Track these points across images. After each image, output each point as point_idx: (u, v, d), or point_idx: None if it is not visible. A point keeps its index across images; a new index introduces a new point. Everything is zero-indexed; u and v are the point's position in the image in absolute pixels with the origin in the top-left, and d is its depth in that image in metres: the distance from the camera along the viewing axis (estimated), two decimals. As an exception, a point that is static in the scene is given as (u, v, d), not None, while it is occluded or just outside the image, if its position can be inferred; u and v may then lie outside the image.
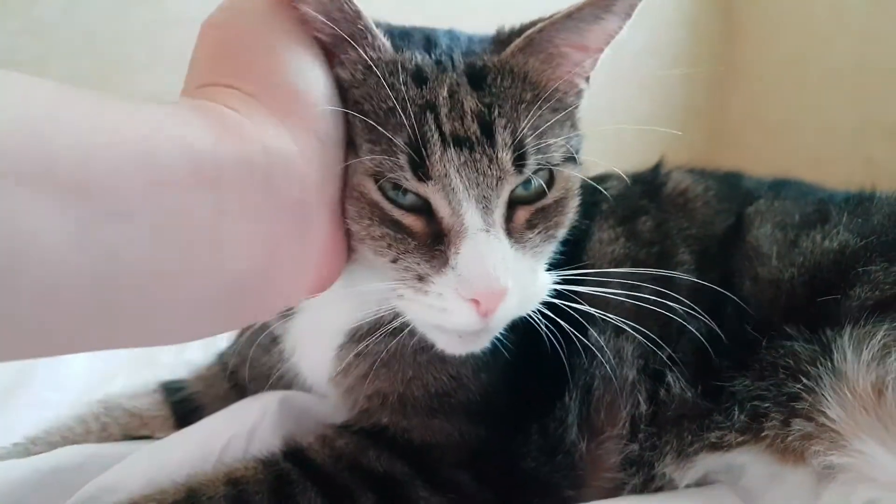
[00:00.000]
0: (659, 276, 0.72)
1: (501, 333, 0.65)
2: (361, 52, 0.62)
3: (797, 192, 0.87)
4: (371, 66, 0.62)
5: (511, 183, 0.61)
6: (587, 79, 0.70)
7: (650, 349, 0.72)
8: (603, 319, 0.68)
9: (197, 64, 0.60)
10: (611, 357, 0.72)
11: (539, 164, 0.62)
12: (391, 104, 0.60)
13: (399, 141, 0.59)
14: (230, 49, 0.59)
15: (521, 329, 0.67)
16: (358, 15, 0.61)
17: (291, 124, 0.55)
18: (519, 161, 0.61)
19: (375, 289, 0.63)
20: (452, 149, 0.59)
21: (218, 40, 0.59)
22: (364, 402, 0.74)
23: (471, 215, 0.59)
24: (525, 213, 0.64)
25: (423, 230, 0.61)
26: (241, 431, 0.75)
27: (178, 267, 0.48)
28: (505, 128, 0.61)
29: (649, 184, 0.88)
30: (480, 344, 0.65)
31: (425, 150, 0.59)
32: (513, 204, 0.63)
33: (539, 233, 0.64)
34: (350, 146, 0.62)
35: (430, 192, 0.60)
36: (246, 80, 0.56)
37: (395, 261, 0.62)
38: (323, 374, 0.77)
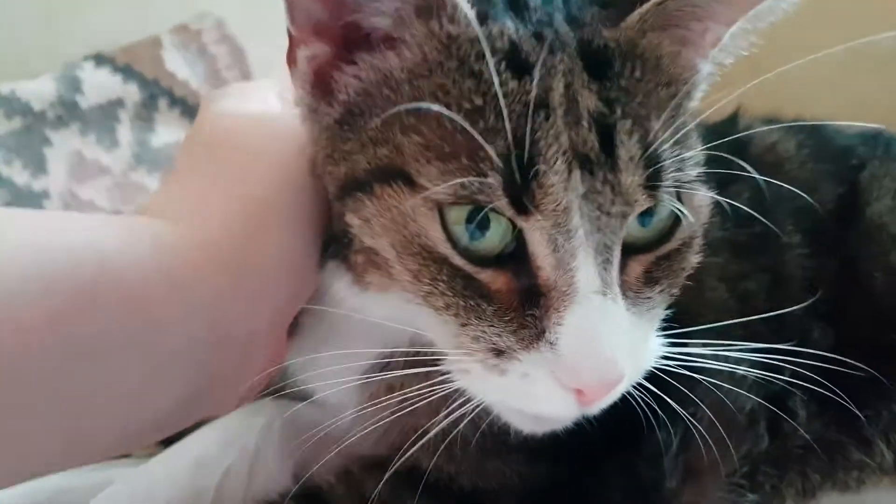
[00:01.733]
0: (765, 264, 0.59)
1: None
2: (433, 24, 0.45)
3: None
4: (449, 46, 0.46)
5: (634, 215, 0.45)
6: (707, 58, 0.53)
7: (769, 364, 0.55)
8: (709, 328, 0.53)
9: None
10: (722, 378, 0.55)
11: (675, 185, 0.46)
12: (479, 101, 0.43)
13: (493, 153, 0.42)
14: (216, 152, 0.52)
15: None
16: None
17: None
18: (651, 182, 0.44)
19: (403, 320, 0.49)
20: (579, 171, 0.42)
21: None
22: (397, 436, 0.57)
23: (585, 271, 0.43)
24: (641, 264, 0.47)
25: (507, 287, 0.45)
26: (240, 461, 0.61)
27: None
28: (630, 134, 0.43)
29: (730, 140, 0.69)
30: (565, 424, 0.51)
31: (534, 169, 0.42)
32: (626, 250, 0.46)
33: (661, 291, 0.48)
34: (380, 178, 0.46)
35: (531, 230, 0.44)
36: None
37: (463, 325, 0.47)
38: (342, 402, 0.62)
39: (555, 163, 0.42)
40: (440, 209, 0.44)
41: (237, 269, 0.47)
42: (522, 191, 0.42)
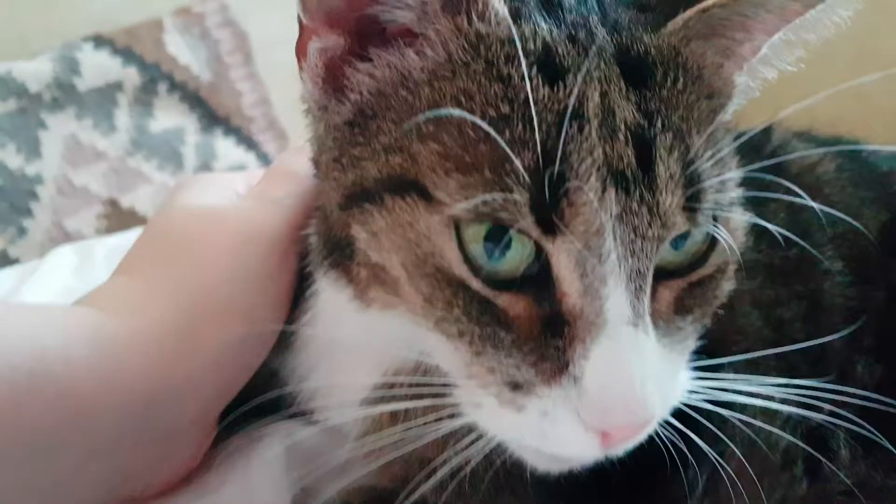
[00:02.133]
0: (802, 290, 0.54)
1: None
2: (461, 21, 0.41)
3: None
4: (478, 45, 0.41)
5: (670, 239, 0.41)
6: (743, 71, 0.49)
7: (808, 399, 0.50)
8: (737, 350, 0.49)
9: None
10: (755, 411, 0.50)
11: (715, 207, 0.41)
12: (507, 109, 0.39)
13: (520, 166, 0.37)
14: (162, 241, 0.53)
15: None
16: None
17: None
18: (691, 203, 0.40)
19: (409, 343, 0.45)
20: (613, 189, 0.38)
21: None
22: (401, 468, 0.52)
23: (616, 299, 0.39)
24: (672, 291, 0.42)
25: (527, 314, 0.40)
26: (239, 497, 0.55)
27: None
28: (671, 150, 0.39)
29: (763, 153, 0.63)
30: (585, 464, 0.45)
31: (565, 186, 0.38)
32: (656, 275, 0.41)
33: (693, 320, 0.43)
34: (392, 189, 0.42)
35: (558, 252, 0.39)
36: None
37: (477, 354, 0.41)
38: (342, 428, 0.57)
39: (588, 179, 0.38)
40: (457, 226, 0.40)
41: (172, 369, 0.47)
42: (551, 209, 0.38)
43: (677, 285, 0.43)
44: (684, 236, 0.42)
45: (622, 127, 0.39)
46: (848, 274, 0.56)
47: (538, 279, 0.40)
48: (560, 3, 0.44)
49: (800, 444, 0.50)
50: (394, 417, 0.50)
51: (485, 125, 0.38)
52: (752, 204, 0.57)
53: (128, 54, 1.43)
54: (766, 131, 0.66)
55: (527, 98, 0.38)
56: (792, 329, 0.53)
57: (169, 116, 1.46)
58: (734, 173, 0.44)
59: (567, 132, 0.38)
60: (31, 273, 0.92)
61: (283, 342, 0.56)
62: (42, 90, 1.34)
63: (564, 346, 0.39)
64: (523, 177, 0.38)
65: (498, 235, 0.39)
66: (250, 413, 0.54)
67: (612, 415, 0.39)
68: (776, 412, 0.49)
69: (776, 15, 0.45)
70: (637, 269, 0.39)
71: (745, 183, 0.59)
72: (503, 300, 0.40)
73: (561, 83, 0.40)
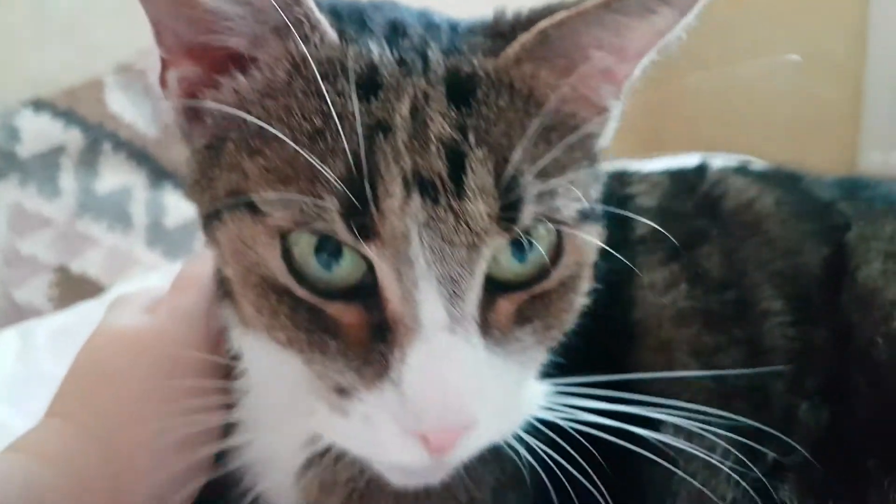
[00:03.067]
0: (741, 335, 0.54)
1: (527, 430, 0.46)
2: (290, 44, 0.43)
3: (886, 198, 0.64)
4: (300, 66, 0.44)
5: (491, 248, 0.41)
6: (619, 96, 0.49)
7: (752, 448, 0.50)
8: (683, 409, 0.48)
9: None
10: (698, 465, 0.50)
11: (540, 216, 0.42)
12: (320, 122, 0.41)
13: (330, 174, 0.39)
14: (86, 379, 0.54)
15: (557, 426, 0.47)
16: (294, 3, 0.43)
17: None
18: (507, 212, 0.41)
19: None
20: (418, 196, 0.40)
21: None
22: None
23: (430, 305, 0.40)
24: (513, 302, 0.43)
25: (358, 321, 0.42)
26: None
27: None
28: (484, 162, 0.40)
29: (697, 193, 0.63)
30: (437, 477, 0.46)
31: (373, 192, 0.39)
32: (495, 286, 0.42)
33: (534, 333, 0.44)
34: (229, 205, 0.44)
35: (378, 259, 0.40)
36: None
37: (308, 362, 0.43)
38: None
39: (392, 186, 0.40)
40: (283, 238, 0.41)
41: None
42: (362, 216, 0.39)
43: (519, 298, 0.43)
44: (523, 250, 0.42)
45: (434, 139, 0.41)
46: (789, 313, 0.55)
47: (371, 287, 0.41)
48: (406, 31, 0.46)
49: (748, 493, 0.50)
50: (324, 488, 0.51)
51: (287, 137, 0.40)
52: (683, 246, 0.58)
53: (69, 116, 1.42)
54: (700, 169, 0.66)
55: (342, 111, 0.40)
56: (733, 376, 0.52)
57: (115, 175, 1.44)
58: (591, 191, 0.46)
59: (373, 142, 0.40)
60: (-26, 360, 0.90)
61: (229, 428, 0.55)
62: (-18, 160, 1.32)
63: (386, 352, 0.40)
64: (334, 185, 0.39)
65: (329, 247, 0.41)
66: None
67: (426, 418, 0.39)
68: (719, 467, 0.49)
69: (623, 37, 0.45)
70: (449, 275, 0.40)
71: (675, 222, 0.59)
72: (334, 308, 0.42)
73: (374, 98, 0.42)
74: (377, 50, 0.44)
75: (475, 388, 0.40)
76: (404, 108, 0.41)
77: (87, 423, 0.51)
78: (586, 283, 0.47)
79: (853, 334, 0.54)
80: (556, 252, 0.43)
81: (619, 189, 0.61)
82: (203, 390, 0.51)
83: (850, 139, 2.41)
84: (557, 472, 0.45)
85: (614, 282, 0.54)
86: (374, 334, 0.41)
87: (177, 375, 0.52)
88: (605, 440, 0.45)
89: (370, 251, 0.40)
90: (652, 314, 0.55)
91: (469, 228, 0.40)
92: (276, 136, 0.41)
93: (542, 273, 0.43)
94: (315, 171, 0.40)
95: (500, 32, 0.46)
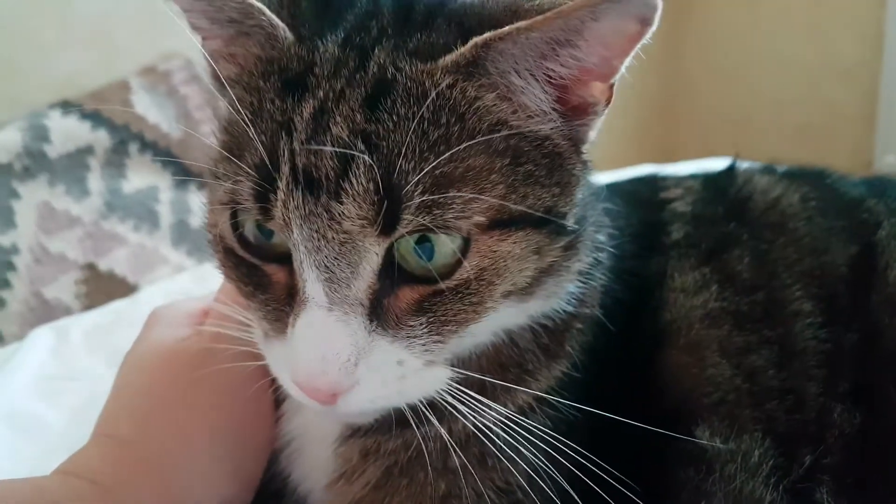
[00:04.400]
0: (772, 335, 0.54)
1: (570, 414, 0.49)
2: (250, 45, 0.49)
3: None
4: (252, 63, 0.49)
5: (377, 248, 0.45)
6: (608, 89, 0.49)
7: (787, 451, 0.52)
8: (715, 410, 0.50)
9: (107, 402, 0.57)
10: (735, 468, 0.51)
11: (425, 224, 0.44)
12: (251, 116, 0.47)
13: (244, 164, 0.46)
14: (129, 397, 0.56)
15: (594, 417, 0.49)
16: (248, 8, 0.47)
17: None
18: (388, 217, 0.44)
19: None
20: (301, 192, 0.44)
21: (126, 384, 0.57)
22: None
23: (311, 284, 0.46)
24: (416, 292, 0.47)
25: (284, 281, 0.49)
26: None
27: None
28: (369, 168, 0.43)
29: (728, 196, 0.64)
30: (334, 419, 0.54)
31: (274, 183, 0.45)
32: (403, 276, 0.46)
33: (426, 325, 0.47)
34: (209, 175, 0.51)
35: (278, 234, 0.47)
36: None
37: (248, 305, 0.52)
38: (318, 479, 0.58)
39: (283, 180, 0.45)
40: (232, 214, 0.49)
41: None
42: (264, 200, 0.46)
43: (423, 289, 0.47)
44: (428, 248, 0.46)
45: (329, 141, 0.44)
46: (819, 314, 0.56)
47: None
48: (370, 24, 0.49)
49: (783, 495, 0.51)
50: (366, 457, 0.54)
51: (236, 120, 0.47)
52: (715, 250, 0.60)
53: (96, 118, 1.44)
54: (730, 171, 0.67)
55: (261, 108, 0.47)
56: (765, 377, 0.53)
57: (141, 176, 1.47)
58: (529, 198, 0.47)
59: (280, 139, 0.45)
60: (12, 356, 0.92)
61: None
62: (12, 160, 1.35)
63: (290, 312, 0.48)
64: (248, 171, 0.46)
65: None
66: None
67: (299, 373, 0.46)
68: (758, 464, 0.51)
69: (562, 53, 0.46)
70: (324, 263, 0.45)
71: (707, 226, 0.61)
72: (270, 268, 0.49)
73: (292, 98, 0.46)
74: (323, 48, 0.47)
75: (343, 359, 0.45)
76: (307, 110, 0.45)
77: (140, 448, 0.52)
78: (497, 290, 0.48)
79: (884, 336, 0.54)
80: (462, 255, 0.46)
81: (652, 194, 0.63)
82: (260, 411, 0.55)
83: (865, 143, 2.41)
84: (591, 468, 0.47)
85: (647, 284, 0.56)
86: (290, 295, 0.48)
87: (236, 401, 0.55)
88: (640, 439, 0.46)
89: (275, 231, 0.47)
90: (683, 315, 0.56)
91: (341, 227, 0.44)
92: (232, 120, 0.48)
93: (450, 271, 0.46)
94: (242, 156, 0.46)
95: (463, 24, 0.47)
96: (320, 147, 0.44)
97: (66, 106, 1.42)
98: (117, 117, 1.46)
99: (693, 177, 0.67)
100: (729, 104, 2.71)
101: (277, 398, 0.58)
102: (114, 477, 0.51)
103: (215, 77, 0.52)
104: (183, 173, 1.50)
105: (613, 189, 0.62)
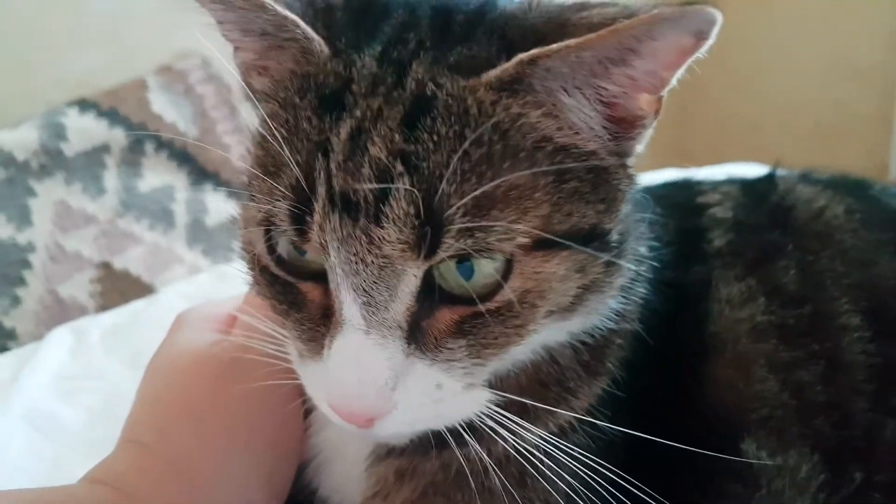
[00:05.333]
0: (819, 349, 0.53)
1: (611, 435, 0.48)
2: (284, 58, 0.48)
3: None
4: (287, 78, 0.48)
5: (416, 271, 0.43)
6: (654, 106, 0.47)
7: (836, 467, 0.51)
8: (762, 425, 0.49)
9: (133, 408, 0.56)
10: (783, 484, 0.50)
11: (469, 248, 0.42)
12: (286, 132, 0.45)
13: (279, 185, 0.45)
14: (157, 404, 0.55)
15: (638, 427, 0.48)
16: (282, 21, 0.46)
17: None
18: (432, 241, 0.42)
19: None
20: (339, 214, 0.43)
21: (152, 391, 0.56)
22: None
23: (348, 306, 0.44)
24: (456, 313, 0.45)
25: (320, 300, 0.47)
26: None
27: None
28: (410, 191, 0.42)
29: (770, 204, 0.62)
30: (367, 442, 0.54)
31: (311, 205, 0.44)
32: (442, 295, 0.44)
33: (466, 347, 0.45)
34: (244, 190, 0.50)
35: (314, 255, 0.46)
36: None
37: (282, 324, 0.50)
38: (349, 495, 0.57)
39: (320, 202, 0.44)
40: (266, 232, 0.47)
41: None
42: (301, 222, 0.44)
43: (463, 310, 0.45)
44: (468, 267, 0.44)
45: (368, 163, 0.43)
46: (867, 328, 0.55)
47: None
48: (408, 35, 0.47)
49: None
50: (401, 476, 0.53)
51: (267, 136, 0.45)
52: (760, 259, 0.58)
53: (113, 116, 1.44)
54: (770, 178, 0.66)
55: (296, 127, 0.45)
56: (812, 392, 0.52)
57: (157, 175, 1.47)
58: (574, 217, 0.45)
59: (317, 159, 0.44)
60: (31, 356, 0.92)
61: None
62: (29, 157, 1.35)
63: (326, 334, 0.46)
64: (284, 192, 0.45)
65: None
66: None
67: (335, 396, 0.46)
68: (806, 481, 0.50)
69: (600, 68, 0.44)
70: (362, 286, 0.44)
71: (749, 235, 0.60)
72: (305, 286, 0.48)
73: (330, 117, 0.45)
74: (360, 63, 0.46)
75: (380, 383, 0.44)
76: (344, 130, 0.44)
77: (167, 456, 0.52)
78: (540, 311, 0.46)
79: None
80: (504, 276, 0.44)
81: (688, 199, 0.61)
82: (289, 419, 0.54)
83: (880, 145, 2.39)
84: (631, 487, 0.46)
85: (687, 294, 0.54)
86: (325, 315, 0.47)
87: (268, 415, 0.54)
88: (684, 455, 0.45)
89: (311, 252, 0.45)
90: (728, 328, 0.55)
91: (381, 251, 0.43)
92: (266, 136, 0.46)
93: (488, 294, 0.45)
94: (279, 176, 0.45)
95: (507, 41, 0.45)
96: (358, 169, 0.43)
97: (84, 104, 1.42)
98: (134, 116, 1.46)
99: (730, 181, 0.66)
100: (742, 105, 2.69)
101: (306, 409, 0.57)
102: (140, 485, 0.50)
103: (250, 89, 0.51)
104: (199, 173, 1.49)
105: (646, 193, 0.62)
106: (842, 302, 0.56)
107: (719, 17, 0.40)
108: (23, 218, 1.33)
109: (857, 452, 0.51)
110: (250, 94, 0.51)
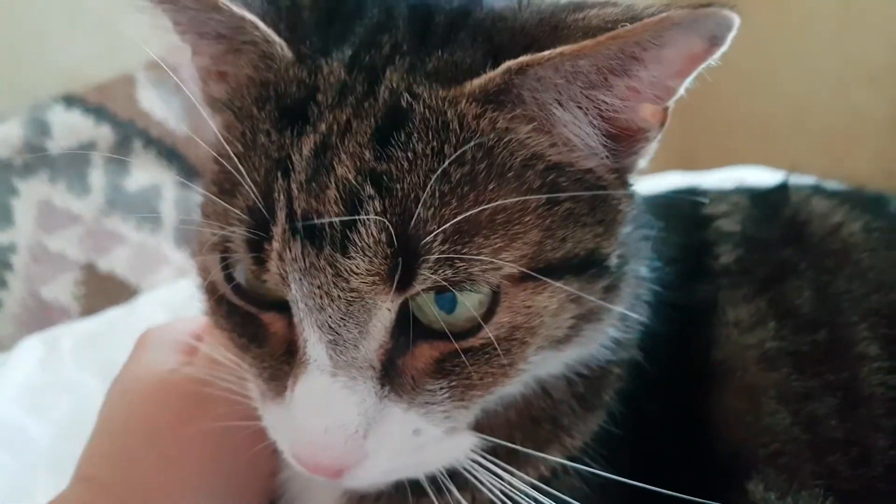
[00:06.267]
0: (835, 380, 0.49)
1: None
2: (241, 63, 0.43)
3: None
4: (246, 84, 0.43)
5: (389, 304, 0.38)
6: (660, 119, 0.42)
7: None
8: (772, 463, 0.45)
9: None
10: None
11: (449, 280, 0.38)
12: (241, 148, 0.41)
13: (236, 206, 0.40)
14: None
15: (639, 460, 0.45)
16: (238, 22, 0.41)
17: None
18: (406, 272, 0.37)
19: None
20: (301, 242, 0.38)
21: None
22: None
23: (313, 345, 0.40)
24: (436, 349, 0.41)
25: (283, 333, 0.42)
26: None
27: None
28: (381, 217, 0.37)
29: (782, 217, 0.57)
30: (338, 488, 0.49)
31: (269, 230, 0.39)
32: (420, 330, 0.40)
33: (448, 389, 0.41)
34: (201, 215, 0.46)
35: (274, 286, 0.40)
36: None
37: (241, 358, 0.45)
38: None
39: (278, 229, 0.39)
40: (223, 258, 0.43)
41: None
42: (258, 249, 0.40)
43: (443, 347, 0.41)
44: (449, 299, 0.39)
45: (334, 184, 0.38)
46: (887, 358, 0.50)
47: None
48: (382, 38, 0.42)
49: None
50: None
51: (223, 151, 0.40)
52: (771, 278, 0.53)
53: (100, 112, 1.40)
54: (783, 189, 0.61)
55: (253, 142, 0.40)
56: (827, 427, 0.48)
57: (145, 173, 1.43)
58: (567, 243, 0.41)
59: (276, 180, 0.39)
60: (1, 366, 0.89)
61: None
62: (13, 155, 1.31)
63: (289, 373, 0.42)
64: (240, 215, 0.40)
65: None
66: None
67: (297, 448, 0.41)
68: None
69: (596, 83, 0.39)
70: (328, 323, 0.39)
71: (761, 250, 0.55)
72: (267, 316, 0.43)
73: (291, 131, 0.39)
74: (327, 69, 0.41)
75: (349, 431, 0.39)
76: (308, 146, 0.39)
77: (123, 494, 0.48)
78: (530, 348, 0.42)
79: None
80: (490, 310, 0.40)
81: (693, 209, 0.57)
82: (256, 461, 0.50)
83: (891, 149, 2.35)
84: None
85: (691, 317, 0.50)
86: (289, 352, 0.42)
87: (230, 453, 0.50)
88: (685, 491, 0.41)
89: (271, 282, 0.40)
90: (736, 354, 0.51)
91: (348, 284, 0.38)
92: (223, 150, 0.41)
93: (471, 329, 0.40)
94: (233, 196, 0.40)
95: (494, 45, 0.40)
96: (322, 191, 0.38)
97: (70, 100, 1.38)
98: (122, 112, 1.41)
99: (738, 191, 0.61)
100: (751, 109, 2.65)
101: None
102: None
103: (208, 98, 0.47)
104: (188, 171, 1.45)
105: (646, 203, 0.56)
106: (860, 328, 0.51)
107: (736, 20, 0.35)
108: (4, 217, 1.28)
109: (877, 494, 0.46)
110: (207, 103, 0.46)
